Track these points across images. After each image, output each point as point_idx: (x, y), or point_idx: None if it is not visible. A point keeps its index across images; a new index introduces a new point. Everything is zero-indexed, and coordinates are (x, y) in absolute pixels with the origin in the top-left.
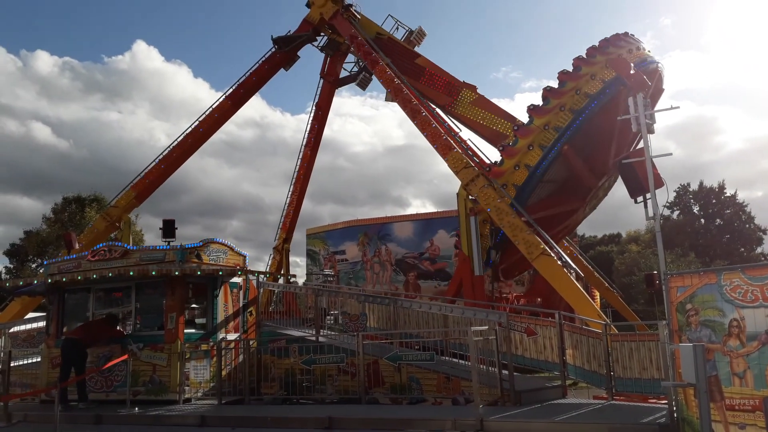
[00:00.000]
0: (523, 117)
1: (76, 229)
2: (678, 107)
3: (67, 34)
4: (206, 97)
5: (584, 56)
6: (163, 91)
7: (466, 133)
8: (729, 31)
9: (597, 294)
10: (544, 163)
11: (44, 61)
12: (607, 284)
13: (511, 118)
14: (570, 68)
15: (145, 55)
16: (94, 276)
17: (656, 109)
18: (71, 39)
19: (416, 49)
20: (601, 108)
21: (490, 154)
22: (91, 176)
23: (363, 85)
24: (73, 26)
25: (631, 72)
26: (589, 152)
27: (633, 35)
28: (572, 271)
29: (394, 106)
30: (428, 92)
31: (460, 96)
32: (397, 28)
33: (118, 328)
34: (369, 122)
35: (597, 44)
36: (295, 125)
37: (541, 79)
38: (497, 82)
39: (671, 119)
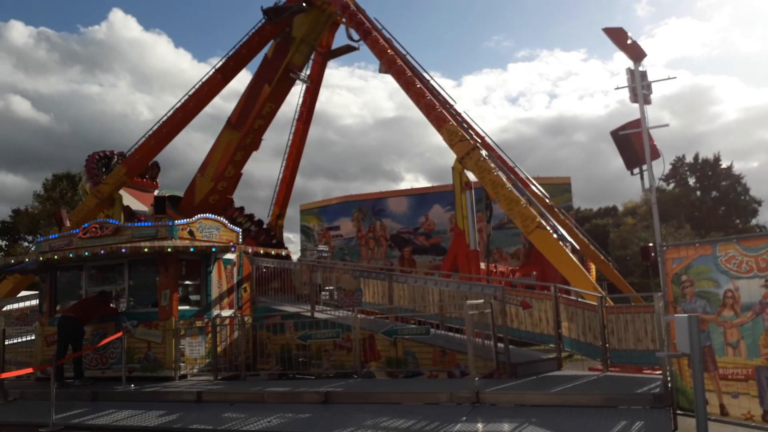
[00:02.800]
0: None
1: (68, 206)
2: (674, 77)
3: (41, 2)
4: (189, 68)
5: None
6: (144, 61)
7: (474, 95)
8: None
9: (593, 267)
10: None
11: (19, 32)
12: (603, 257)
13: None
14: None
15: (122, 25)
16: (86, 253)
17: (653, 79)
18: (45, 8)
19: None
20: None
21: (490, 127)
22: (75, 151)
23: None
24: None
25: (629, 42)
26: None
27: None
28: (568, 244)
29: (384, 78)
30: None
31: None
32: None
33: (111, 305)
34: (358, 94)
35: None
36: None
37: (534, 48)
38: (489, 51)
39: (667, 89)
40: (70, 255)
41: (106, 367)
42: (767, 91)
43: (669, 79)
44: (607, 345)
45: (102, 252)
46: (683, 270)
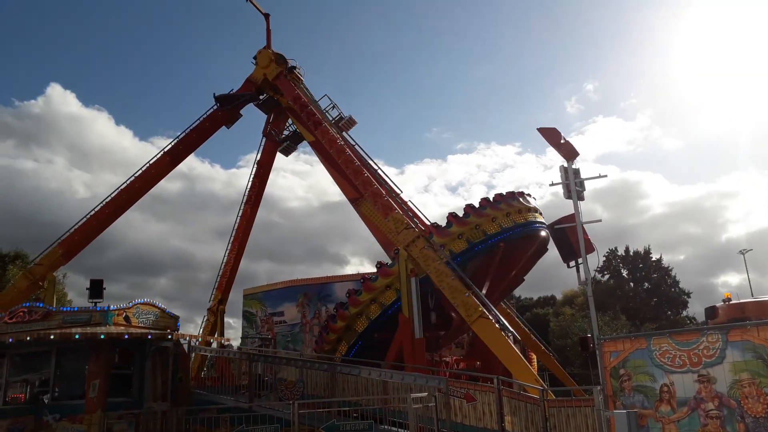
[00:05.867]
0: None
1: None
2: (605, 176)
3: None
4: (130, 146)
5: (476, 206)
6: (83, 138)
7: (416, 182)
8: (648, 97)
9: (534, 357)
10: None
11: None
12: (543, 347)
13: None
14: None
15: (61, 99)
16: (10, 340)
17: (585, 177)
18: None
19: (346, 134)
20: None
21: (431, 214)
22: (3, 228)
23: (286, 152)
24: None
25: (562, 141)
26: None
27: (529, 195)
28: (510, 334)
29: None
30: (338, 180)
31: (366, 197)
32: (332, 108)
33: None
34: (304, 177)
35: (492, 198)
36: (225, 178)
37: (472, 141)
38: (430, 141)
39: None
40: None
41: None
42: (688, 188)
43: (600, 177)
44: None
45: (28, 339)
46: (621, 363)
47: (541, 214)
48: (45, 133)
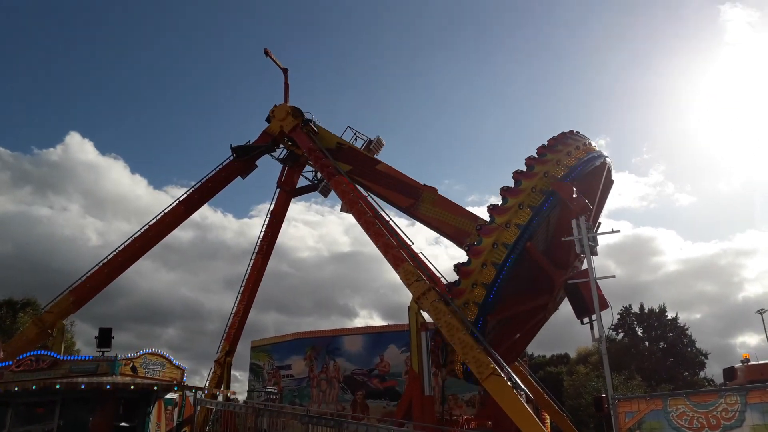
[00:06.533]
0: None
1: (5, 335)
2: (618, 231)
3: None
4: (144, 194)
5: (535, 155)
6: (98, 185)
7: (427, 234)
8: (661, 153)
9: (547, 417)
10: (510, 260)
11: None
12: (556, 407)
13: (472, 217)
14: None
15: (78, 148)
16: (16, 388)
17: (598, 232)
18: (1, 128)
19: (376, 156)
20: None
21: (441, 266)
22: (17, 274)
23: (325, 193)
24: (1, 114)
25: (574, 196)
26: (550, 247)
27: (579, 132)
28: (522, 393)
29: (340, 213)
30: (390, 195)
31: (422, 197)
32: (356, 139)
33: None
34: (315, 227)
35: (546, 143)
36: (237, 227)
37: (483, 194)
38: (441, 192)
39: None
40: None
41: None
42: (703, 245)
43: (613, 232)
44: None
45: (33, 387)
46: (636, 425)
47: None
48: (62, 180)
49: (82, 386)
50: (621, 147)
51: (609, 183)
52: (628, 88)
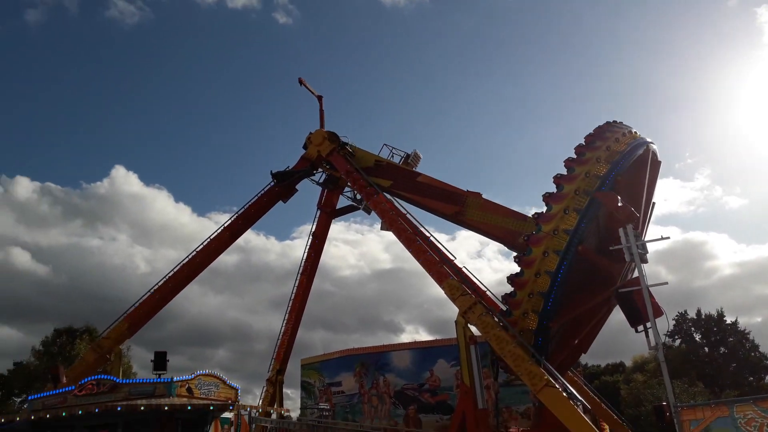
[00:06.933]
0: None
1: (66, 362)
2: (668, 237)
3: (46, 159)
4: (189, 221)
5: (574, 156)
6: (144, 215)
7: (468, 248)
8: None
9: (606, 427)
10: (563, 266)
11: (24, 187)
12: (615, 417)
13: (520, 217)
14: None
15: (124, 180)
16: (80, 412)
17: (647, 239)
18: (50, 164)
19: (415, 170)
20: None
21: (485, 279)
22: (71, 303)
23: (368, 210)
24: (51, 151)
25: (619, 205)
26: (603, 240)
27: (619, 121)
28: (579, 403)
29: (380, 231)
30: (434, 205)
31: (467, 203)
32: (393, 156)
33: None
34: (355, 246)
35: (584, 140)
36: (280, 249)
37: (523, 205)
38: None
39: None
40: (63, 413)
41: None
42: (758, 247)
43: (662, 239)
44: None
45: (96, 410)
46: None
47: (637, 132)
48: (109, 212)
49: (142, 408)
50: (662, 153)
51: (656, 167)
52: (665, 95)
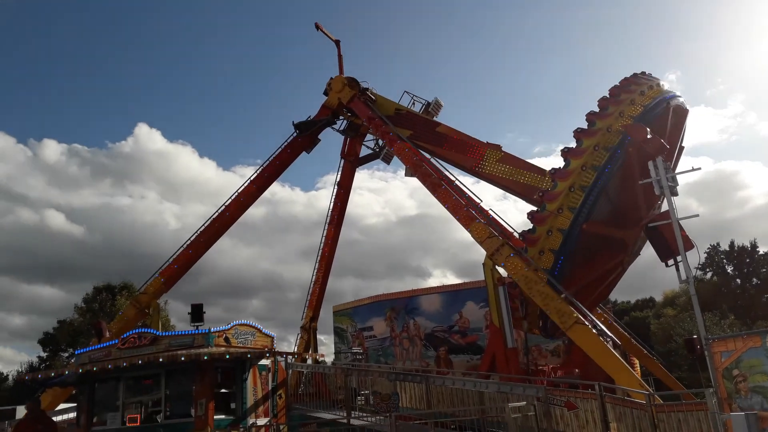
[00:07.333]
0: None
1: (107, 317)
2: (699, 168)
3: (70, 120)
4: (215, 176)
5: (597, 110)
6: (170, 172)
7: (494, 190)
8: (737, 82)
9: (636, 362)
10: (587, 203)
11: (52, 149)
12: (645, 351)
13: (539, 171)
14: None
15: (147, 138)
16: (124, 364)
17: (677, 171)
18: (74, 125)
19: (435, 118)
20: (622, 164)
21: (512, 220)
22: (107, 261)
23: (387, 160)
24: (73, 112)
25: (648, 137)
26: (619, 205)
27: (646, 73)
28: (608, 339)
29: (403, 178)
30: (453, 156)
31: (486, 156)
32: (414, 103)
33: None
34: (380, 194)
35: (619, 83)
36: (305, 200)
37: (549, 143)
38: (505, 147)
39: (690, 177)
40: (109, 366)
41: None
42: None
43: (693, 170)
44: None
45: (140, 362)
46: (734, 364)
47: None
48: (136, 170)
49: (182, 358)
50: (693, 80)
51: (684, 115)
52: (695, 19)
